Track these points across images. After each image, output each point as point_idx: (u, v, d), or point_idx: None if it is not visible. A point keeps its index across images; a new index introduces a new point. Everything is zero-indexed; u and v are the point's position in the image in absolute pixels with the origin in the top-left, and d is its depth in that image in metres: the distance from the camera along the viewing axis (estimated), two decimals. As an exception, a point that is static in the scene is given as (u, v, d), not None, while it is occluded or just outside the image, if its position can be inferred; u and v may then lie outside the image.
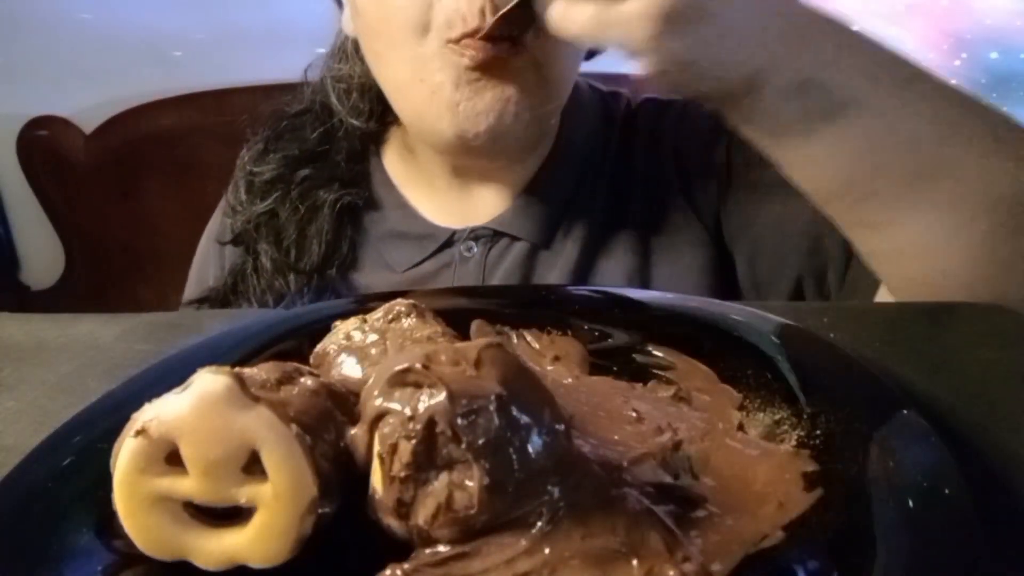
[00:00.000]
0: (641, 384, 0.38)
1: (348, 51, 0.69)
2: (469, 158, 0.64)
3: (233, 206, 0.72)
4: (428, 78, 0.56)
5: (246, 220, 0.69)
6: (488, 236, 0.66)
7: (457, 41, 0.53)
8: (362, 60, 0.65)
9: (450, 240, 0.67)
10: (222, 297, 0.69)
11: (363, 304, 0.44)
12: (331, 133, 0.71)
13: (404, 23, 0.55)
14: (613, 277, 0.65)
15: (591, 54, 0.68)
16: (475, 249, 0.66)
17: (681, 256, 0.66)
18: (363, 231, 0.69)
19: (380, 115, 0.69)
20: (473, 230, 0.66)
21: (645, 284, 0.65)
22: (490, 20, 0.51)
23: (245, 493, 0.25)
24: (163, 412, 0.25)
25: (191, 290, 0.74)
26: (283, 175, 0.70)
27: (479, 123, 0.56)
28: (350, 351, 0.34)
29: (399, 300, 0.37)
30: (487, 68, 0.54)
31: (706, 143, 0.66)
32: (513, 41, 0.54)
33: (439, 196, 0.68)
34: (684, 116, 0.69)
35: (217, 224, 0.75)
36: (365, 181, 0.70)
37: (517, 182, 0.67)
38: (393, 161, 0.71)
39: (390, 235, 0.68)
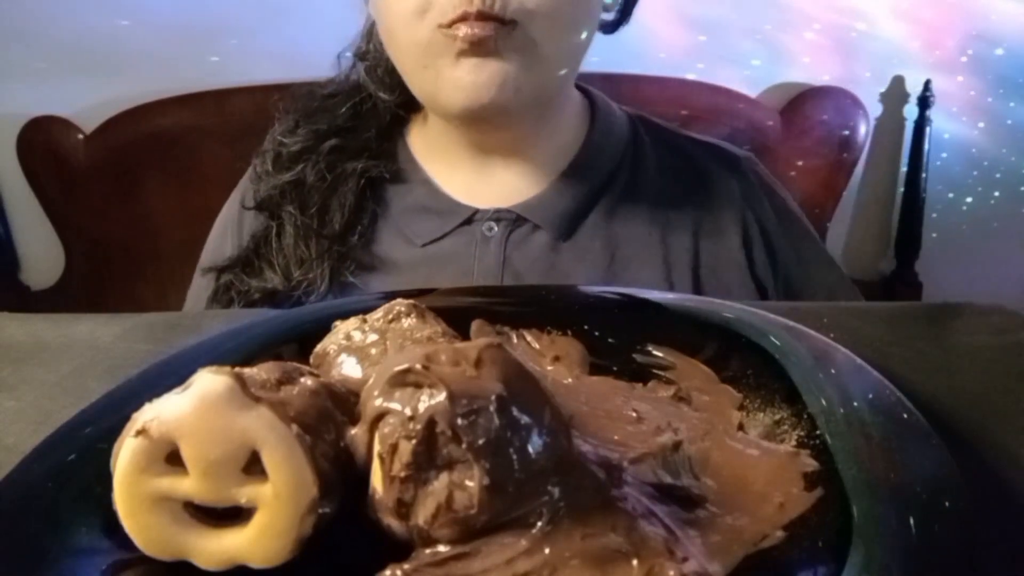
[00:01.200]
0: (641, 384, 0.38)
1: (374, 32, 0.71)
2: (484, 131, 0.66)
3: (260, 175, 0.73)
4: (430, 63, 0.59)
5: (272, 187, 0.71)
6: (511, 219, 0.67)
7: (448, 26, 0.56)
8: None
9: (471, 218, 0.67)
10: (244, 261, 0.70)
11: (367, 302, 0.44)
12: (361, 110, 0.73)
13: (404, 9, 0.57)
14: (634, 282, 0.65)
15: (612, 27, 0.70)
16: (496, 230, 0.67)
17: (710, 273, 0.67)
18: (385, 204, 0.70)
19: (406, 90, 0.70)
20: (496, 211, 0.67)
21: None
22: (476, 3, 0.54)
23: (245, 493, 0.25)
24: (164, 412, 0.25)
25: (206, 259, 0.75)
26: (312, 146, 0.71)
27: (483, 96, 0.58)
28: (350, 351, 0.34)
29: (399, 300, 0.37)
30: (481, 47, 0.56)
31: (777, 213, 0.71)
32: (505, 22, 0.55)
33: (461, 174, 0.70)
34: (762, 181, 0.73)
35: (240, 194, 0.76)
36: (391, 156, 0.72)
37: (544, 172, 0.68)
38: (416, 139, 0.73)
39: (412, 208, 0.69)
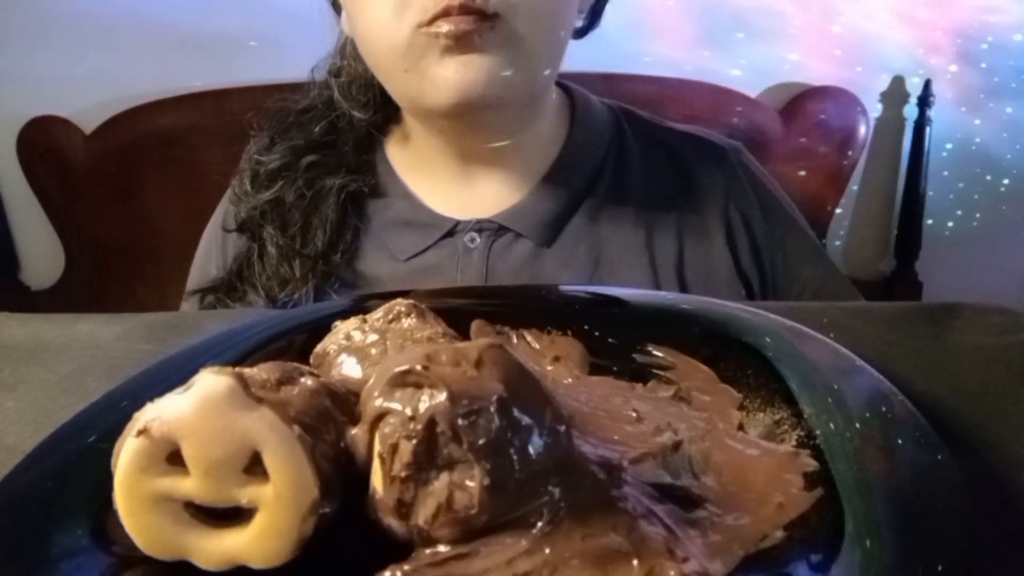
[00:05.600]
0: (641, 384, 0.38)
1: (348, 50, 0.70)
2: (469, 134, 0.65)
3: (239, 195, 0.72)
4: (412, 66, 0.57)
5: (252, 208, 0.70)
6: (492, 229, 0.66)
7: (429, 23, 0.54)
8: (361, 57, 0.66)
9: (453, 230, 0.67)
10: (227, 284, 0.69)
11: (363, 303, 0.44)
12: (337, 125, 0.72)
13: (381, 11, 0.56)
14: (620, 285, 0.65)
15: (581, 32, 0.69)
16: (478, 241, 0.66)
17: (696, 275, 0.67)
18: (367, 219, 0.69)
19: (383, 106, 0.70)
20: (478, 222, 0.67)
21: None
22: None
23: (246, 494, 0.25)
24: (165, 412, 0.25)
25: (193, 281, 0.75)
26: (290, 163, 0.70)
27: (470, 93, 0.57)
28: (350, 351, 0.34)
29: (399, 300, 0.37)
30: (464, 41, 0.55)
31: (763, 206, 0.70)
32: (487, 16, 0.54)
33: (442, 186, 0.69)
34: (751, 175, 0.72)
35: (221, 215, 0.75)
36: (371, 170, 0.71)
37: (524, 179, 0.68)
38: (396, 151, 0.72)
39: (394, 223, 0.69)
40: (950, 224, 1.32)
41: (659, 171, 0.70)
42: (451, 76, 0.56)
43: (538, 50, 0.60)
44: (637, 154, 0.70)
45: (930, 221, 1.31)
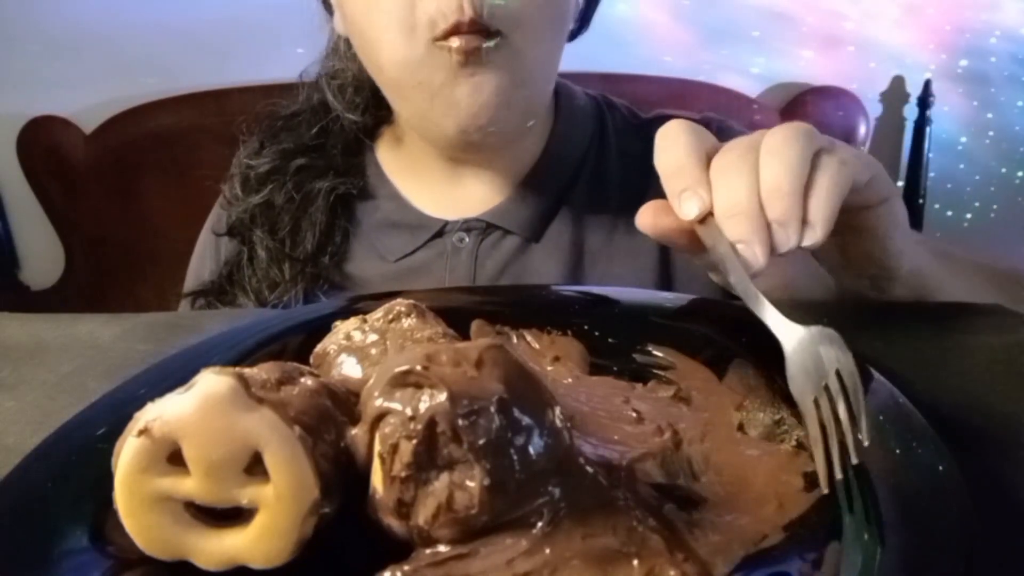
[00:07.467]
0: (641, 384, 0.38)
1: (341, 50, 0.71)
2: (467, 150, 0.65)
3: (229, 199, 0.72)
4: (425, 80, 0.57)
5: (242, 211, 0.70)
6: (480, 228, 0.67)
7: (444, 38, 0.55)
8: (355, 58, 0.66)
9: (442, 231, 0.67)
10: (219, 288, 0.70)
11: (357, 303, 0.44)
12: (327, 129, 0.72)
13: (389, 25, 0.56)
14: (604, 277, 0.65)
15: (571, 36, 0.69)
16: (467, 240, 0.67)
17: (676, 256, 0.67)
18: (356, 221, 0.70)
19: (375, 109, 0.70)
20: (466, 221, 0.67)
21: (637, 285, 0.65)
22: (468, 12, 0.53)
23: (247, 494, 0.25)
24: (166, 412, 0.25)
25: (189, 285, 0.75)
26: (279, 166, 0.71)
27: (480, 117, 0.57)
28: (350, 351, 0.34)
29: (399, 300, 0.37)
30: (474, 57, 0.55)
31: None
32: (491, 33, 0.55)
33: (431, 187, 0.69)
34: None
35: (214, 218, 0.76)
36: (359, 172, 0.71)
37: (510, 176, 0.68)
38: (386, 153, 0.72)
39: (383, 225, 0.69)
40: (968, 216, 1.32)
41: (636, 157, 0.70)
42: (463, 100, 0.57)
43: (536, 67, 0.60)
44: (616, 143, 0.71)
45: (949, 213, 1.31)
